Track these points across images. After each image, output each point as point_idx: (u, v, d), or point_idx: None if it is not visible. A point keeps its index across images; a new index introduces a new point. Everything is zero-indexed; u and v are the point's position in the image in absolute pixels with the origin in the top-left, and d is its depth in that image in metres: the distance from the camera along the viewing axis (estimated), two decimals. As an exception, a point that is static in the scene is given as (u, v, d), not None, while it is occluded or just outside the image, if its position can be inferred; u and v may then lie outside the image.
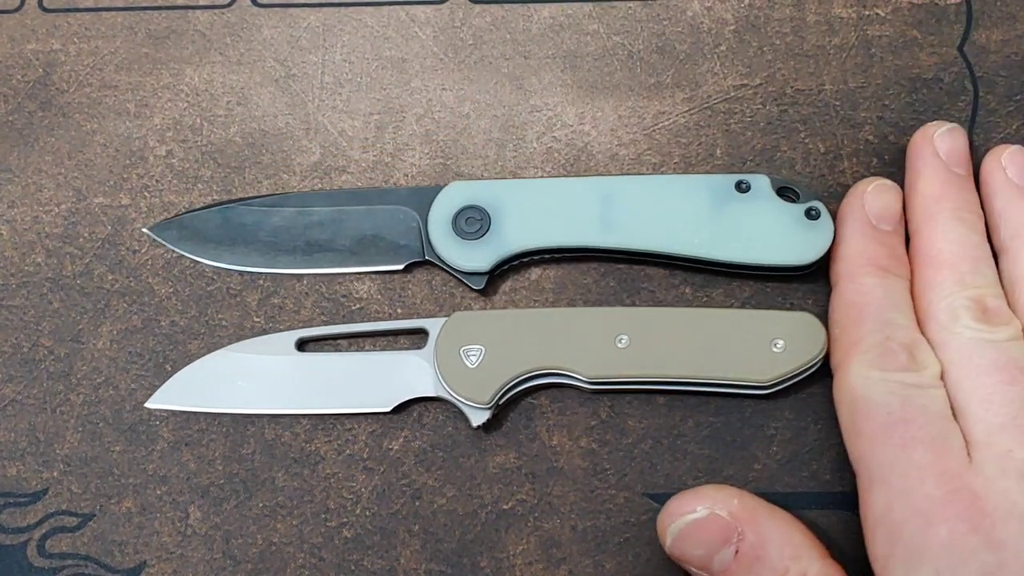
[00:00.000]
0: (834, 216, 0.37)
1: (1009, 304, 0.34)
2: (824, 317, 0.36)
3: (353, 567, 0.35)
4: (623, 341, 0.35)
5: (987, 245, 0.35)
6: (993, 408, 0.31)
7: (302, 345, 0.38)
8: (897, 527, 0.30)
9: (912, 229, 0.36)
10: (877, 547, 0.31)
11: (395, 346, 0.38)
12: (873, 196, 0.36)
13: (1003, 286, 0.35)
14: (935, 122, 0.38)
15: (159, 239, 0.39)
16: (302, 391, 0.37)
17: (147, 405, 0.37)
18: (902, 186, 0.37)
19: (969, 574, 0.29)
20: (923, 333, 0.34)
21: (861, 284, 0.35)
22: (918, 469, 0.30)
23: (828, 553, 0.32)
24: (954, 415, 0.32)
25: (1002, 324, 0.33)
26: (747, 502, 0.32)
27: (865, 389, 0.32)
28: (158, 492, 0.36)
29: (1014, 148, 0.37)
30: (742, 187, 0.37)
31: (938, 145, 0.37)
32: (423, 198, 0.38)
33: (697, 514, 0.32)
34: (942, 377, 0.33)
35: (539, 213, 0.38)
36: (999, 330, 0.33)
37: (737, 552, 0.31)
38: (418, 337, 0.37)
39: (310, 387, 0.37)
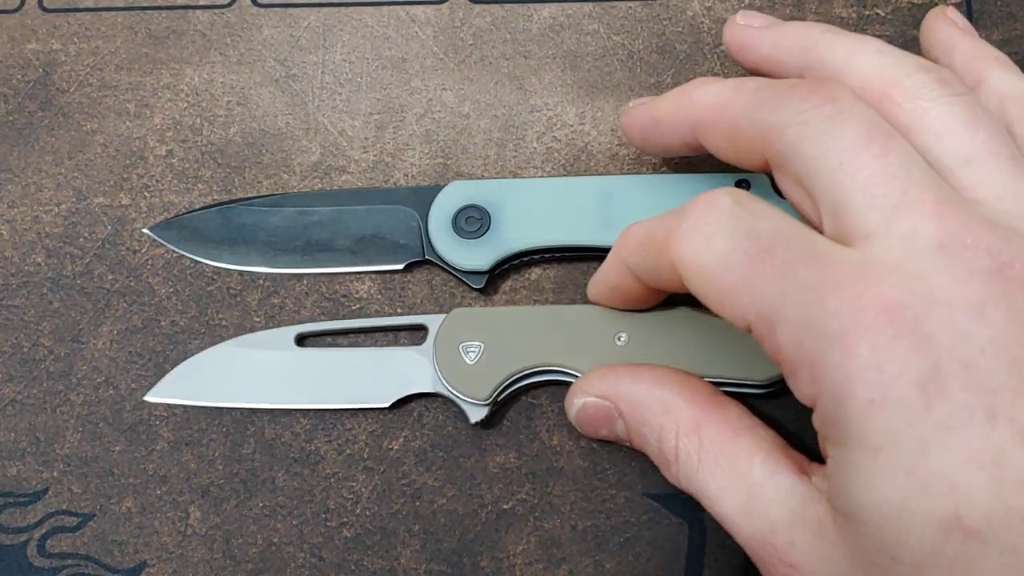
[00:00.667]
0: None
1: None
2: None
3: (353, 567, 0.35)
4: (622, 339, 0.35)
5: None
6: (878, 190, 0.27)
7: (301, 340, 0.38)
8: (816, 364, 0.26)
9: None
10: (803, 387, 0.27)
11: (394, 342, 0.38)
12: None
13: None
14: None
15: (159, 239, 0.39)
16: (301, 386, 0.37)
17: (146, 398, 0.37)
18: None
19: (905, 391, 0.24)
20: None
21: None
22: (809, 290, 0.26)
23: (700, 392, 0.32)
24: (821, 222, 0.28)
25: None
26: (610, 378, 0.34)
27: (708, 254, 0.28)
28: (158, 492, 0.36)
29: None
30: (742, 186, 0.37)
31: None
32: (423, 197, 0.38)
33: (576, 407, 0.34)
34: (801, 184, 0.29)
35: (539, 212, 0.38)
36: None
37: (627, 427, 0.33)
38: (417, 333, 0.37)
39: (309, 382, 0.37)
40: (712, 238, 0.28)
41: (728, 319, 0.28)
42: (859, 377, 0.25)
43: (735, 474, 0.30)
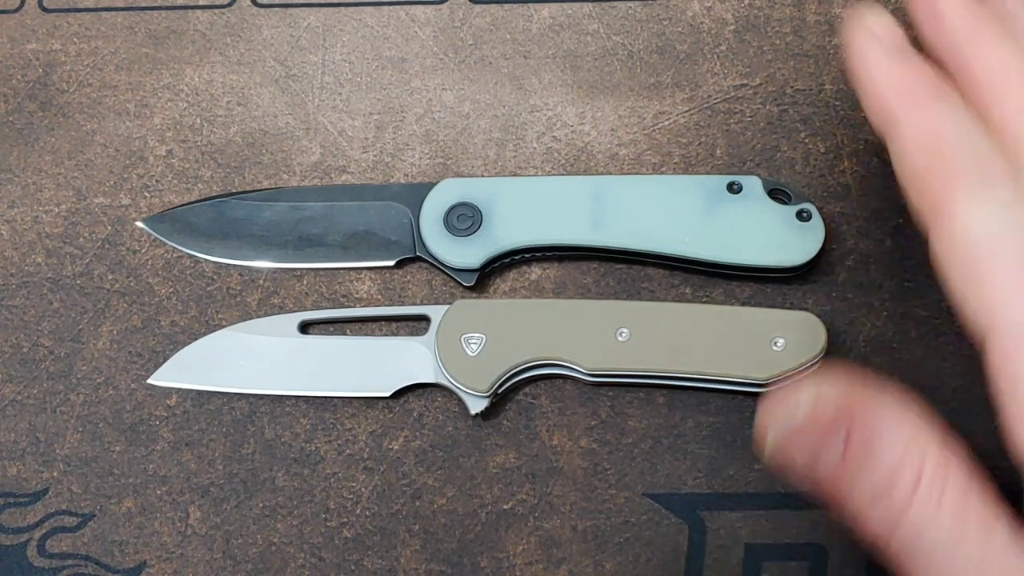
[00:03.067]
0: (825, 218, 0.37)
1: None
2: (823, 318, 0.36)
3: (353, 567, 0.35)
4: (624, 334, 0.35)
5: None
6: None
7: (305, 328, 0.38)
8: None
9: (949, 56, 0.31)
10: None
11: (396, 333, 0.38)
12: (880, 25, 0.31)
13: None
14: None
15: (152, 231, 0.39)
16: (303, 374, 0.37)
17: (150, 381, 0.37)
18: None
19: None
20: None
21: (930, 110, 0.29)
22: None
23: (944, 435, 0.26)
24: None
25: None
26: (852, 391, 0.27)
27: (990, 227, 0.26)
28: (158, 492, 0.36)
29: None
30: (734, 188, 0.37)
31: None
32: (415, 194, 0.38)
33: (799, 415, 0.27)
34: None
35: (530, 211, 0.38)
36: None
37: (845, 451, 0.26)
38: (420, 324, 0.37)
39: (311, 370, 0.37)
40: (993, 215, 0.26)
41: (964, 310, 0.26)
42: None
43: (978, 531, 0.25)
